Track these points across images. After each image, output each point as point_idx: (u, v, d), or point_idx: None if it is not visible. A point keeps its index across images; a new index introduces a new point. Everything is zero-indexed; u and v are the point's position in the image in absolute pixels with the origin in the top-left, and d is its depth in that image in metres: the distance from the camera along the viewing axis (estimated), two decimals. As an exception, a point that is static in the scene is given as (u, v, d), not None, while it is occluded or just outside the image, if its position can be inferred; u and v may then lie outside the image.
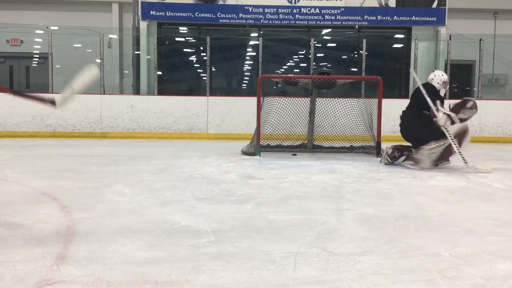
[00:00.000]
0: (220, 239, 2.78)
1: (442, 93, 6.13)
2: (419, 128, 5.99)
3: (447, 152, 5.82)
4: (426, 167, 5.72)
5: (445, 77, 6.20)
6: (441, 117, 5.71)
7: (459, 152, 5.69)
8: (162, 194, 4.07)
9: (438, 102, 5.86)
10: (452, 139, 5.69)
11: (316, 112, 7.66)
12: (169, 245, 2.65)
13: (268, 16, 12.00)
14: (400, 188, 4.54)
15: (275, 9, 11.98)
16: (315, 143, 7.75)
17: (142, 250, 2.56)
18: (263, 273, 2.24)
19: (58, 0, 13.46)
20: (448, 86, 6.34)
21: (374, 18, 12.02)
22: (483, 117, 10.37)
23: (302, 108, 7.74)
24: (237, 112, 10.36)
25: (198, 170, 5.52)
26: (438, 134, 5.79)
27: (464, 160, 5.67)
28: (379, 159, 6.48)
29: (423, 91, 5.94)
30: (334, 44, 12.98)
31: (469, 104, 5.86)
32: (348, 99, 7.83)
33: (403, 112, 6.34)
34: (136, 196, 3.99)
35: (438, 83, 6.11)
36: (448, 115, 5.73)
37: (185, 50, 13.52)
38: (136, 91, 12.04)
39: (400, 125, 6.30)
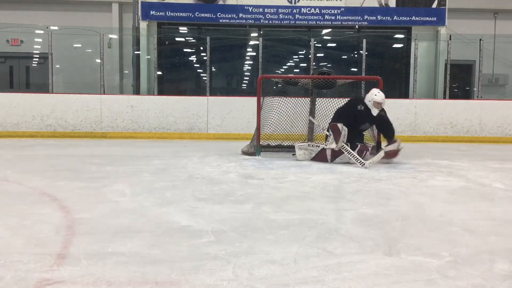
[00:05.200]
0: (220, 239, 2.78)
1: (373, 112, 6.35)
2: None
3: (320, 157, 6.46)
4: (299, 159, 6.56)
5: (378, 97, 6.28)
6: (329, 142, 6.36)
7: (355, 158, 6.05)
8: (162, 194, 4.07)
9: (329, 124, 6.44)
10: (349, 152, 6.13)
11: (316, 112, 7.66)
12: (169, 245, 2.65)
13: (268, 16, 11.99)
14: (400, 188, 4.54)
15: (275, 9, 11.97)
16: (315, 143, 7.74)
17: (142, 250, 2.56)
18: (263, 273, 2.24)
19: (58, 0, 13.45)
20: (382, 107, 6.33)
21: (374, 18, 12.01)
22: (483, 117, 10.36)
23: (302, 108, 7.73)
24: (237, 112, 10.35)
25: (198, 170, 5.52)
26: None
27: (361, 163, 5.97)
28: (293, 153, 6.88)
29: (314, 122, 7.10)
30: (334, 44, 12.96)
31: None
32: (348, 99, 7.81)
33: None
34: (136, 196, 3.99)
35: (369, 101, 6.36)
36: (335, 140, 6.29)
37: (185, 50, 13.51)
38: (136, 91, 12.04)
39: None
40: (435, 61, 12.31)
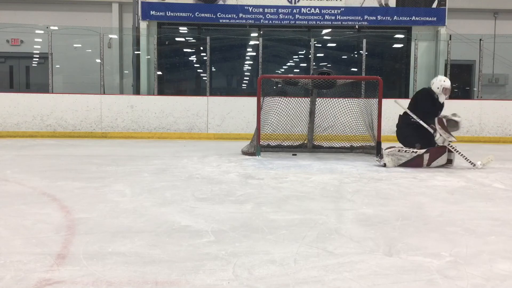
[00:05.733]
0: (220, 239, 2.78)
1: (441, 99, 6.22)
2: (408, 135, 6.21)
3: (416, 163, 5.94)
4: (387, 165, 5.94)
5: (447, 83, 6.16)
6: (438, 138, 5.94)
7: (465, 158, 5.90)
8: (162, 194, 4.07)
9: (435, 120, 6.00)
10: (458, 152, 5.92)
11: (316, 112, 7.66)
12: (169, 245, 2.65)
13: (268, 16, 11.99)
14: (400, 188, 4.54)
15: (275, 9, 11.97)
16: (315, 143, 7.75)
17: (142, 250, 2.56)
18: (263, 273, 2.24)
19: (58, 0, 13.46)
20: (448, 94, 6.25)
21: (374, 18, 12.01)
22: (483, 117, 10.36)
23: (302, 108, 7.74)
24: (237, 112, 10.35)
25: (198, 170, 5.52)
26: (425, 141, 5.99)
27: (471, 163, 5.87)
28: (377, 158, 6.49)
29: (412, 115, 6.12)
30: (334, 44, 12.97)
31: (456, 121, 6.09)
32: (348, 99, 7.82)
33: (400, 115, 6.48)
34: (136, 196, 3.99)
35: (438, 88, 6.16)
36: (445, 134, 5.95)
37: (185, 50, 13.51)
38: (136, 91, 12.04)
39: (396, 126, 6.55)
40: (435, 61, 12.30)
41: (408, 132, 6.23)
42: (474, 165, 5.84)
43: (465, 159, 5.93)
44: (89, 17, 13.35)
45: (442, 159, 5.99)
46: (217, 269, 2.28)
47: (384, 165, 5.95)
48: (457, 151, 5.96)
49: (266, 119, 7.45)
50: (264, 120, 7.36)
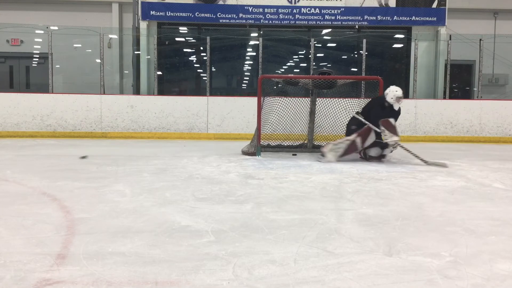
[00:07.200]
0: (220, 239, 2.78)
1: (396, 107, 6.68)
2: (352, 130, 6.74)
3: (351, 149, 6.54)
4: (330, 160, 6.41)
5: (399, 93, 6.68)
6: (387, 138, 6.40)
7: (416, 155, 6.37)
8: (162, 194, 4.07)
9: (380, 121, 6.46)
10: (408, 150, 6.44)
11: (316, 112, 7.66)
12: (169, 245, 2.65)
13: (268, 16, 11.99)
14: (400, 188, 4.54)
15: (275, 9, 11.97)
16: (315, 143, 7.75)
17: (142, 250, 2.56)
18: (263, 273, 2.24)
19: (58, 0, 13.46)
20: (402, 101, 6.72)
21: (374, 18, 12.01)
22: (483, 117, 10.36)
23: (302, 108, 7.74)
24: (237, 112, 10.35)
25: (198, 170, 5.52)
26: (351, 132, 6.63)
27: (422, 160, 6.27)
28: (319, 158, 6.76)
29: (365, 121, 6.59)
30: (334, 44, 12.96)
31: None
32: (348, 99, 7.82)
33: (351, 118, 7.02)
34: (136, 196, 3.99)
35: (392, 98, 6.64)
36: (389, 134, 6.41)
37: (185, 50, 13.50)
38: (136, 91, 12.03)
39: (346, 126, 7.07)
40: (435, 61, 12.30)
41: (353, 129, 6.73)
42: (426, 162, 6.20)
43: (415, 156, 6.32)
44: (89, 17, 13.36)
45: (371, 137, 6.49)
46: (217, 269, 2.28)
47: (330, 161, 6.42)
48: (407, 150, 6.40)
49: (266, 119, 7.45)
50: (264, 120, 7.36)
